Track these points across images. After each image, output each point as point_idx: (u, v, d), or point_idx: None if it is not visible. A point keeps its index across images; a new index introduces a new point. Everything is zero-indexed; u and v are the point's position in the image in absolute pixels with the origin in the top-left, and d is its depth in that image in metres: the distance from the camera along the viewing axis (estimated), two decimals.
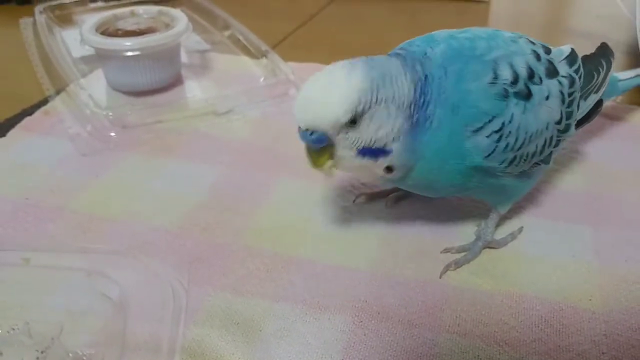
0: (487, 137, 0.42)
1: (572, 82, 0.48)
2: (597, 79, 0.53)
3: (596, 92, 0.53)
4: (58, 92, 0.72)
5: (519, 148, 0.43)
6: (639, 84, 0.63)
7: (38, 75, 0.76)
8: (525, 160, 0.45)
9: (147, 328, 0.38)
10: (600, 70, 0.54)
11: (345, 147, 0.41)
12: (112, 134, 0.64)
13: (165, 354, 0.37)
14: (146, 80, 0.70)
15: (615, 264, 0.48)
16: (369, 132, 0.40)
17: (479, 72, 0.42)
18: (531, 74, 0.44)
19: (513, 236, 0.51)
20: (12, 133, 0.65)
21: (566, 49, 0.51)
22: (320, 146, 0.41)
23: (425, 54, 0.43)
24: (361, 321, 0.43)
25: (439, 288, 0.46)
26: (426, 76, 0.42)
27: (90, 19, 0.75)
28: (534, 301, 0.45)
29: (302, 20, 0.96)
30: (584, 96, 0.51)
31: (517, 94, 0.43)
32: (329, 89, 0.39)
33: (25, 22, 0.90)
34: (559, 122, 0.46)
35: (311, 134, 0.40)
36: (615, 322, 0.43)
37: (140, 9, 0.75)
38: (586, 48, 0.56)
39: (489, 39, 0.45)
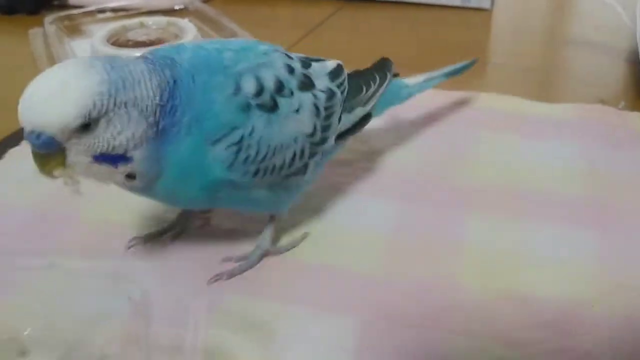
0: (226, 149, 0.41)
1: (331, 96, 0.48)
2: (365, 93, 0.53)
3: (363, 105, 0.54)
4: None
5: (262, 160, 0.43)
6: (427, 88, 0.64)
7: None
8: (272, 172, 0.44)
9: (170, 330, 0.39)
10: (372, 84, 0.55)
11: (79, 152, 0.37)
12: None
13: (188, 355, 0.38)
14: None
15: (618, 269, 0.49)
16: (105, 138, 0.37)
17: (222, 84, 0.42)
18: (280, 87, 0.44)
19: (294, 243, 0.51)
20: (25, 143, 0.66)
21: (331, 64, 0.51)
22: (47, 151, 0.37)
23: (173, 59, 0.42)
24: (371, 323, 0.44)
25: (447, 290, 0.47)
26: (175, 81, 0.40)
27: (100, 30, 0.76)
28: (540, 303, 0.46)
29: (308, 28, 0.98)
30: (348, 109, 0.52)
31: (260, 106, 0.42)
32: (60, 88, 0.35)
33: (34, 32, 0.92)
34: (311, 135, 0.46)
35: (37, 136, 0.36)
36: (619, 327, 0.44)
37: (149, 20, 0.77)
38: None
39: (239, 51, 0.44)
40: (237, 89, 0.42)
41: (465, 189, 0.58)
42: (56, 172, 0.38)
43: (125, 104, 0.37)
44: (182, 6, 0.96)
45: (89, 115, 0.36)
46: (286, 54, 0.47)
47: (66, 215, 0.55)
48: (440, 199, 0.57)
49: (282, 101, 0.44)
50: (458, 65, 0.67)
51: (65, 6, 1.04)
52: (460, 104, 0.73)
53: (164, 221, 0.54)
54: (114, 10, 0.95)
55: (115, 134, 0.37)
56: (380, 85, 0.56)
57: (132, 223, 0.54)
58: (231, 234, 0.53)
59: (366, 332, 0.44)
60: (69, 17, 0.92)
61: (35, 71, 0.80)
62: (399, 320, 0.44)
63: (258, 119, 0.42)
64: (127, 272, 0.43)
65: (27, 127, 0.36)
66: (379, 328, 0.44)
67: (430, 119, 0.70)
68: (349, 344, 0.43)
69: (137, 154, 0.38)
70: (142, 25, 0.75)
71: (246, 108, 0.42)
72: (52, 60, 0.83)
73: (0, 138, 0.68)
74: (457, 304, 0.46)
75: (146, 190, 0.42)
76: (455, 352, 0.42)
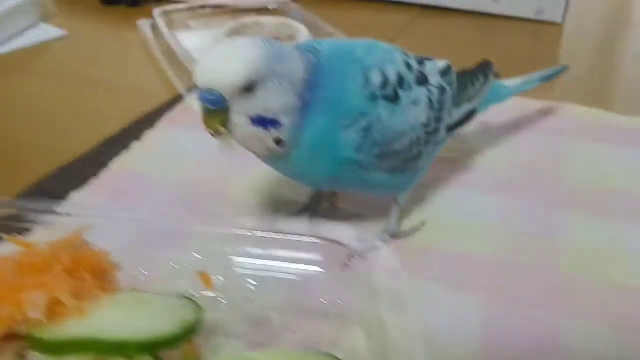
0: (356, 133, 0.48)
1: (442, 91, 0.55)
2: (470, 90, 0.61)
3: (469, 101, 0.61)
4: (190, 91, 0.81)
5: (385, 144, 0.50)
6: (524, 90, 0.71)
7: (169, 75, 0.85)
8: (393, 156, 0.51)
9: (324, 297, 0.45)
10: (476, 83, 0.62)
11: (240, 112, 0.44)
12: None
13: (340, 321, 0.43)
14: None
15: None
16: (262, 101, 0.44)
17: (355, 74, 0.49)
18: (401, 81, 0.51)
19: (416, 229, 0.58)
20: (159, 126, 0.74)
21: (441, 64, 0.58)
22: (215, 107, 0.43)
23: (315, 47, 0.49)
24: (495, 300, 0.51)
25: (555, 277, 0.54)
26: (317, 65, 0.47)
27: (219, 26, 0.84)
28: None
29: (388, 34, 1.05)
30: (457, 104, 0.59)
31: (385, 97, 0.49)
32: (231, 56, 0.43)
33: (141, 23, 0.99)
34: (426, 125, 0.53)
35: (209, 93, 0.43)
36: None
37: (263, 19, 0.84)
38: None
39: (368, 47, 0.52)
40: (367, 81, 0.49)
41: (562, 188, 0.65)
42: (218, 129, 0.44)
43: (281, 75, 0.44)
44: (275, 6, 1.03)
45: (253, 77, 0.43)
46: (404, 53, 0.55)
47: (209, 194, 0.63)
48: (539, 196, 0.64)
49: (402, 94, 0.51)
50: (550, 71, 0.74)
51: (161, 0, 1.12)
52: (542, 111, 0.79)
53: (297, 204, 0.61)
54: (215, 6, 1.02)
55: (271, 98, 0.44)
56: (483, 84, 0.63)
57: (269, 204, 0.62)
58: (355, 218, 0.60)
59: (492, 309, 0.51)
60: (176, 11, 0.99)
61: (149, 59, 0.90)
62: (521, 299, 0.51)
63: (383, 108, 0.50)
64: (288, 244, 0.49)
65: (202, 85, 0.43)
66: (504, 306, 0.51)
67: (520, 124, 0.76)
68: (477, 319, 0.50)
69: (286, 121, 0.45)
70: (257, 24, 0.83)
71: (373, 98, 0.49)
72: (164, 49, 0.90)
73: (128, 121, 0.75)
74: (568, 288, 0.53)
75: (283, 160, 0.49)
76: (571, 332, 0.49)
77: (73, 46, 0.97)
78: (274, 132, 0.45)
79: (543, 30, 1.10)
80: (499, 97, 0.68)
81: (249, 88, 0.43)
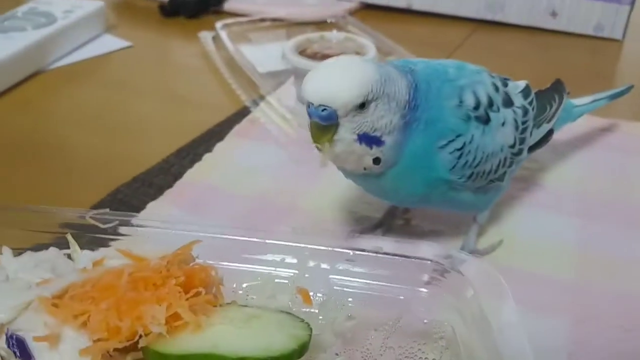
0: (450, 153, 0.49)
1: (525, 112, 0.56)
2: (549, 111, 0.61)
3: (548, 122, 0.61)
4: (256, 103, 0.82)
5: (477, 165, 0.50)
6: (593, 108, 0.71)
7: (233, 87, 0.86)
8: (482, 176, 0.52)
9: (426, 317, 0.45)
10: (553, 103, 0.62)
11: (348, 129, 0.44)
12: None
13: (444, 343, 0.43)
14: None
15: None
16: (371, 120, 0.44)
17: (450, 94, 0.49)
18: (490, 102, 0.51)
19: (493, 247, 0.58)
20: (229, 137, 0.75)
21: (521, 84, 0.58)
22: (327, 123, 0.44)
23: (411, 68, 0.50)
24: (579, 322, 0.51)
25: None
26: (416, 85, 0.48)
27: (279, 39, 0.85)
28: None
29: (446, 48, 1.05)
30: (537, 125, 0.59)
31: (477, 118, 0.50)
32: (347, 73, 0.44)
33: (204, 35, 1.01)
34: (512, 146, 0.54)
35: (323, 110, 0.43)
36: None
37: (328, 34, 0.85)
38: None
39: (457, 68, 0.52)
40: (461, 101, 0.50)
41: (635, 208, 0.64)
42: (325, 145, 0.45)
43: (388, 95, 0.45)
44: (334, 20, 1.04)
45: (367, 96, 0.44)
46: (490, 74, 0.55)
47: (282, 208, 0.63)
48: (617, 217, 0.63)
49: (492, 115, 0.52)
50: (618, 90, 0.74)
51: (219, 12, 1.14)
52: (608, 129, 0.79)
53: (372, 219, 0.61)
54: (273, 19, 1.03)
55: (379, 117, 0.45)
56: (559, 104, 0.63)
57: (343, 219, 0.62)
58: (430, 234, 0.60)
59: (576, 331, 0.50)
60: (236, 24, 1.01)
61: (211, 70, 0.91)
62: (607, 320, 0.51)
63: (476, 129, 0.50)
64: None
65: (315, 102, 0.43)
66: (588, 327, 0.50)
67: (587, 141, 0.76)
68: (562, 342, 0.49)
69: (388, 140, 0.46)
70: (322, 38, 0.83)
71: (467, 119, 0.50)
72: (226, 61, 0.92)
73: (194, 131, 0.76)
74: None
75: (375, 178, 0.49)
76: None
77: (137, 57, 0.99)
78: (375, 151, 0.46)
79: (602, 46, 1.08)
80: (570, 116, 0.68)
81: (361, 106, 0.44)
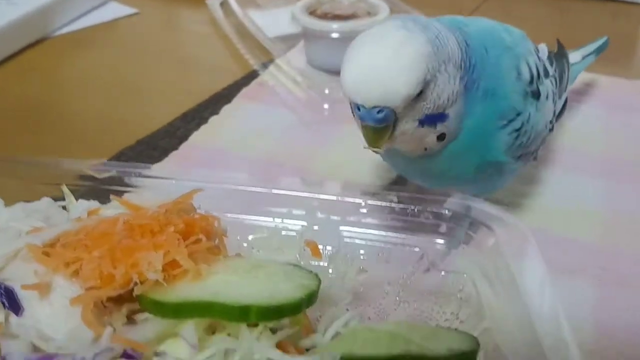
0: (509, 134, 0.42)
1: (555, 82, 0.49)
2: (565, 78, 0.55)
3: (565, 90, 0.55)
4: (265, 66, 0.79)
5: (528, 145, 0.44)
6: (584, 67, 0.65)
7: (242, 52, 0.83)
8: (526, 156, 0.46)
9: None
10: (566, 69, 0.56)
11: (409, 120, 0.37)
12: (326, 106, 0.70)
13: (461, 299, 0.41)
14: None
15: None
16: (432, 99, 0.36)
17: (509, 66, 0.42)
18: (538, 74, 0.45)
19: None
20: (236, 100, 0.72)
21: (544, 49, 0.51)
22: (384, 124, 0.36)
23: (460, 26, 0.42)
24: (604, 285, 0.48)
25: None
26: (467, 44, 0.40)
27: (288, 3, 0.82)
28: None
29: (464, 13, 1.01)
30: (560, 95, 0.53)
31: (532, 94, 0.44)
32: (397, 58, 0.35)
33: (212, 2, 0.98)
34: (551, 121, 0.48)
35: (379, 112, 0.35)
36: None
37: None
38: None
39: (507, 32, 0.45)
40: (519, 74, 0.43)
41: None
42: (385, 144, 0.37)
43: (445, 61, 0.37)
44: None
45: (425, 79, 0.35)
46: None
47: (291, 170, 0.60)
48: None
49: (541, 88, 0.46)
50: (599, 43, 0.69)
51: None
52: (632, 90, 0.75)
53: (384, 180, 0.58)
54: None
55: (440, 92, 0.37)
56: (569, 69, 0.58)
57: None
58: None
59: (603, 293, 0.47)
60: None
61: (219, 36, 0.87)
62: (632, 284, 0.48)
63: (531, 106, 0.44)
64: None
65: (367, 104, 0.35)
66: (615, 290, 0.47)
67: (610, 102, 0.73)
68: (588, 303, 0.46)
69: (452, 111, 0.38)
70: (332, 0, 0.80)
71: (525, 95, 0.43)
72: (235, 27, 0.89)
73: (202, 96, 0.74)
74: None
75: (428, 161, 0.42)
76: None
77: (144, 24, 0.96)
78: (440, 127, 0.38)
79: (623, 10, 1.04)
80: (572, 78, 0.62)
81: (420, 93, 0.36)
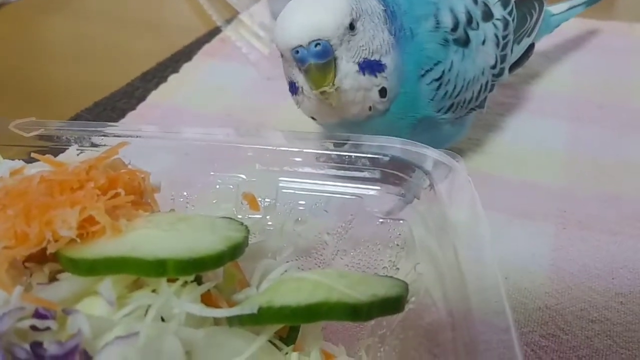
0: (428, 84, 0.42)
1: (506, 25, 0.48)
2: (529, 22, 0.53)
3: (529, 35, 0.53)
4: (228, 22, 0.77)
5: (457, 95, 0.44)
6: (571, 16, 0.63)
7: (205, 7, 0.81)
8: (462, 106, 0.45)
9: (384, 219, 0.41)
10: (533, 12, 0.54)
11: (349, 59, 0.38)
12: None
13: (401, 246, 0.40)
14: None
15: None
16: (365, 41, 0.38)
17: (424, 13, 0.42)
18: (469, 19, 0.44)
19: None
20: (196, 58, 0.70)
21: None
22: (326, 59, 0.37)
23: None
24: (564, 228, 0.47)
25: (633, 202, 0.49)
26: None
27: None
28: None
29: None
30: (517, 40, 0.51)
31: (456, 41, 0.43)
32: (322, 1, 0.38)
33: None
34: (494, 67, 0.47)
35: (316, 45, 0.37)
36: None
37: None
38: None
39: None
40: (437, 22, 0.42)
41: (627, 110, 0.59)
42: (328, 87, 0.37)
43: (367, 11, 0.39)
44: None
45: (352, 14, 0.38)
46: None
47: (253, 124, 0.59)
48: (606, 120, 0.58)
49: (472, 34, 0.44)
50: None
51: None
52: (602, 31, 0.73)
53: None
54: None
55: (371, 37, 0.39)
56: (539, 13, 0.55)
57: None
58: None
59: (560, 235, 0.46)
60: None
61: None
62: (594, 225, 0.47)
63: (455, 54, 0.43)
64: None
65: (304, 39, 0.37)
66: (574, 232, 0.46)
67: (580, 44, 0.71)
68: (545, 246, 0.45)
69: (388, 61, 0.39)
70: None
71: (445, 43, 0.43)
72: None
73: (163, 56, 0.72)
74: None
75: (378, 121, 0.42)
76: None
77: None
78: (380, 79, 0.39)
79: None
80: (548, 27, 0.61)
81: (351, 27, 0.38)
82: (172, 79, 0.67)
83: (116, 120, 0.61)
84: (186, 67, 0.69)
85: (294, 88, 0.40)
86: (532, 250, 0.45)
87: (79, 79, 0.70)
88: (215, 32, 0.76)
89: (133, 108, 0.63)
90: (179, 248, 0.29)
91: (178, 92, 0.65)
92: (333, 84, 0.38)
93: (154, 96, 0.64)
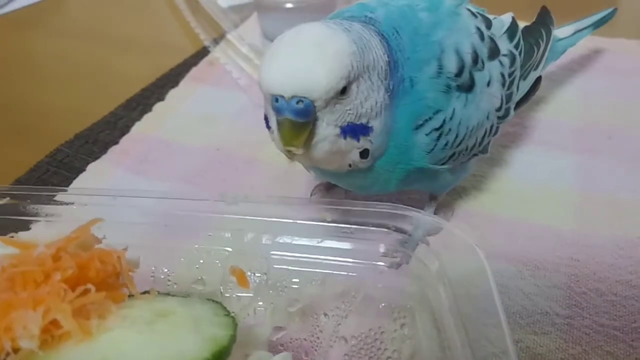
0: (427, 134, 0.38)
1: (512, 61, 0.44)
2: (536, 54, 0.49)
3: (535, 68, 0.49)
4: (216, 42, 0.73)
5: (459, 144, 0.40)
6: (577, 41, 0.59)
7: (192, 25, 0.77)
8: (464, 154, 0.41)
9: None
10: (541, 42, 0.50)
11: (330, 123, 0.33)
12: None
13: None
14: None
15: None
16: (355, 105, 0.34)
17: (427, 57, 0.38)
18: (475, 59, 0.40)
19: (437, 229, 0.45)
20: (183, 83, 0.67)
21: (507, 19, 0.46)
22: (304, 120, 0.32)
23: (368, 17, 0.38)
24: (578, 280, 0.44)
25: None
26: (382, 35, 0.37)
27: None
28: None
29: None
30: (524, 75, 0.47)
31: (459, 87, 0.38)
32: (320, 51, 0.32)
33: None
34: (499, 109, 0.43)
35: (298, 102, 0.32)
36: None
37: None
38: None
39: (430, 8, 0.40)
40: (440, 67, 0.38)
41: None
42: (295, 149, 0.33)
43: (368, 67, 0.34)
44: None
45: (349, 77, 0.33)
46: (471, 11, 0.43)
47: (244, 160, 0.55)
48: (619, 152, 0.55)
49: (477, 76, 0.40)
50: (600, 15, 0.62)
51: None
52: (602, 51, 0.69)
53: None
54: None
55: (363, 100, 0.34)
56: (547, 42, 0.51)
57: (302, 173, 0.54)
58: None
59: (576, 289, 0.43)
60: None
61: (171, 11, 0.77)
62: (608, 275, 0.43)
63: (457, 100, 0.39)
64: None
65: (287, 93, 0.32)
66: (589, 285, 0.43)
67: (580, 67, 0.67)
68: (558, 302, 0.42)
69: (376, 124, 0.35)
70: None
71: (448, 90, 0.38)
72: (190, 4, 0.82)
73: (151, 80, 0.68)
74: None
75: (357, 176, 0.38)
76: None
77: (90, 0, 0.90)
78: (363, 142, 0.35)
79: None
80: (555, 54, 0.57)
81: (343, 90, 0.33)
82: (158, 107, 0.63)
83: (98, 155, 0.57)
84: (172, 94, 0.65)
85: (267, 124, 0.36)
86: (545, 302, 0.42)
87: (59, 104, 0.66)
88: (202, 53, 0.72)
89: (116, 141, 0.59)
90: (156, 357, 0.26)
91: (164, 122, 0.61)
92: (304, 147, 0.33)
93: (138, 127, 0.60)
